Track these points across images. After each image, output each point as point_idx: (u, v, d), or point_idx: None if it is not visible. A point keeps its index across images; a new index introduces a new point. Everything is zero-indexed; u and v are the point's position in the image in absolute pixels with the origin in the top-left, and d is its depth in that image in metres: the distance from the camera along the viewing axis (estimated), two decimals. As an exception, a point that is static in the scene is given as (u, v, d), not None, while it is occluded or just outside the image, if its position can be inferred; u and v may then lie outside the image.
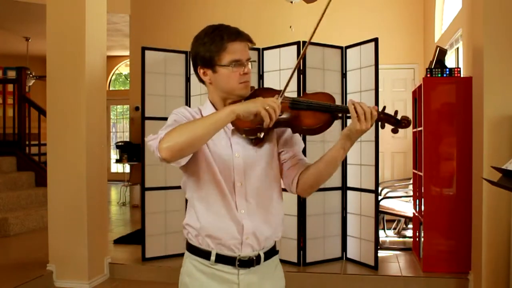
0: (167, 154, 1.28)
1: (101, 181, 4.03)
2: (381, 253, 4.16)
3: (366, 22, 6.33)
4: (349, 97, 4.16)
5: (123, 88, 12.08)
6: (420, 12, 6.46)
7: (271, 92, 1.51)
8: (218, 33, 1.43)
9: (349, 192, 4.16)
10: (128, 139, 9.17)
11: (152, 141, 1.34)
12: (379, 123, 1.40)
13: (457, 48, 4.90)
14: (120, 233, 5.42)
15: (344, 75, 4.20)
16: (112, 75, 11.99)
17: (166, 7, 7.22)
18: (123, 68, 12.02)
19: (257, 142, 1.49)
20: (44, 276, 3.77)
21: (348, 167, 4.16)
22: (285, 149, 1.54)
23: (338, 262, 4.12)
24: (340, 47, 4.20)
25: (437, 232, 3.79)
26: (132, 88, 7.40)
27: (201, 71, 1.48)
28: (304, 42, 4.02)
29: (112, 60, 10.89)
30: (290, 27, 5.62)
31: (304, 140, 3.91)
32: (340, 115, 1.42)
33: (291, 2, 5.19)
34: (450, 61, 5.16)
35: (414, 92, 4.58)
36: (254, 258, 1.49)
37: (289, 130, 1.53)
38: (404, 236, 5.18)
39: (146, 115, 4.12)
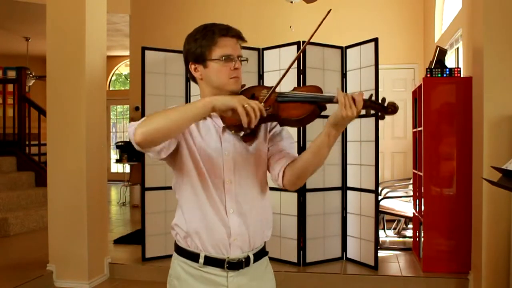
0: (141, 138, 1.28)
1: (101, 181, 4.03)
2: (381, 253, 4.16)
3: (366, 22, 6.33)
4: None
5: (123, 88, 12.08)
6: (420, 12, 6.46)
7: (261, 87, 1.52)
8: (209, 29, 1.45)
9: (349, 192, 4.16)
10: (128, 139, 9.16)
11: (131, 128, 1.34)
12: (365, 110, 1.37)
13: (457, 48, 4.91)
14: (120, 233, 5.42)
15: (344, 75, 4.20)
16: (112, 75, 11.99)
17: (166, 7, 7.22)
18: (123, 68, 12.02)
19: (247, 140, 1.49)
20: (44, 276, 3.77)
21: (348, 167, 4.17)
22: (273, 143, 1.53)
23: (338, 262, 4.12)
24: (340, 47, 4.20)
25: (437, 232, 3.79)
26: (132, 88, 7.40)
27: (192, 67, 1.48)
28: (304, 42, 4.02)
29: (112, 60, 10.89)
30: (290, 27, 5.62)
31: (304, 139, 3.92)
32: (326, 105, 1.41)
33: (291, 2, 5.19)
34: (450, 61, 5.16)
35: (414, 92, 4.58)
36: (243, 260, 1.48)
37: (278, 125, 1.54)
38: (404, 236, 5.17)
39: (146, 115, 4.12)
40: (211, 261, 1.46)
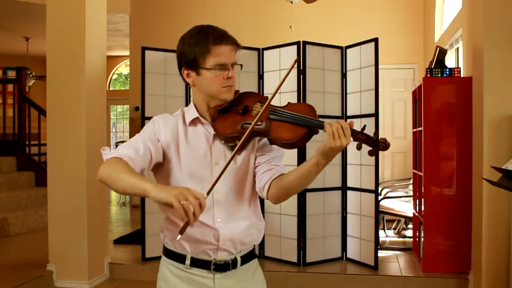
0: (99, 179, 1.34)
1: (101, 181, 4.03)
2: (381, 253, 4.16)
3: (366, 22, 6.33)
4: (349, 97, 4.16)
5: (123, 88, 12.07)
6: (420, 12, 6.46)
7: (255, 97, 1.50)
8: (203, 35, 1.40)
9: (349, 192, 4.16)
10: (128, 139, 9.15)
11: (104, 156, 1.38)
12: (356, 143, 1.35)
13: (457, 48, 4.91)
14: (120, 233, 5.42)
15: (344, 75, 4.20)
16: (112, 75, 11.99)
17: (166, 7, 7.22)
18: (123, 68, 12.01)
19: (236, 151, 1.47)
20: (44, 276, 3.77)
21: (348, 167, 4.17)
22: (261, 153, 1.49)
23: (338, 262, 4.12)
24: (340, 47, 4.20)
25: (437, 232, 3.79)
26: (132, 88, 7.39)
27: (185, 72, 1.45)
28: (304, 42, 4.02)
29: (112, 60, 10.88)
30: (290, 27, 5.62)
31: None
32: (318, 130, 1.37)
33: (291, 2, 5.19)
34: (450, 61, 5.16)
35: (414, 92, 4.58)
36: (230, 262, 1.47)
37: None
38: (404, 236, 5.18)
39: (146, 115, 4.12)
40: (197, 263, 1.46)
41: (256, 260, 1.58)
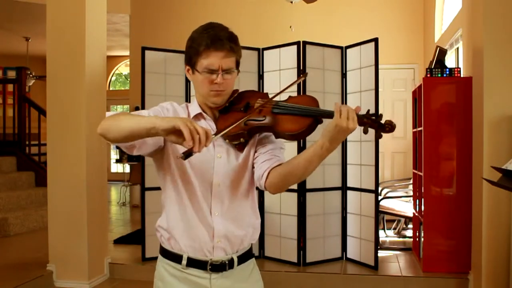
0: (100, 132, 1.32)
1: (101, 181, 4.03)
2: (381, 253, 4.17)
3: (366, 22, 6.33)
4: (349, 97, 4.16)
5: (123, 88, 12.08)
6: (420, 12, 6.46)
7: (256, 94, 1.50)
8: (201, 35, 1.39)
9: (349, 192, 4.16)
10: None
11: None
12: (362, 127, 1.33)
13: (457, 48, 4.91)
14: (120, 233, 5.42)
15: (344, 75, 4.20)
16: (112, 75, 11.99)
17: (166, 7, 7.22)
18: (123, 68, 12.02)
19: (240, 148, 1.48)
20: (44, 276, 3.77)
21: (348, 167, 4.17)
22: (261, 144, 1.50)
23: (338, 262, 4.12)
24: (340, 47, 4.20)
25: (437, 232, 3.79)
26: (132, 88, 7.39)
27: (186, 68, 1.48)
28: (304, 42, 4.02)
29: (112, 60, 10.89)
30: (290, 27, 5.62)
31: (304, 140, 3.92)
32: (323, 119, 1.37)
33: (291, 2, 5.18)
34: (450, 61, 5.16)
35: (414, 92, 4.58)
36: (227, 262, 1.46)
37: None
38: (404, 236, 5.18)
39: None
40: (194, 263, 1.45)
41: (253, 259, 1.58)
